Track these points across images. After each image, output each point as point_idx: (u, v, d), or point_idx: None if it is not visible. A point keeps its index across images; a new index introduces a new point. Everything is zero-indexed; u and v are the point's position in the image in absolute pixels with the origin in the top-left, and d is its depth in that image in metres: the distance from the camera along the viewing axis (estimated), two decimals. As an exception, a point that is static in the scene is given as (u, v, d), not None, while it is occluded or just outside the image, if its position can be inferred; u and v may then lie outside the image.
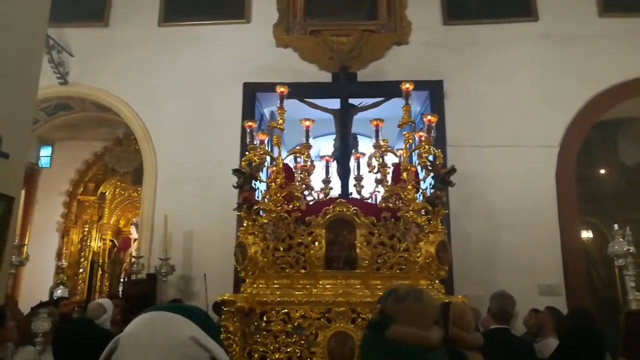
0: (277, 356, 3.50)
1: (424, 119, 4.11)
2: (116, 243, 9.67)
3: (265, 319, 3.60)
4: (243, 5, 7.04)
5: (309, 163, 4.16)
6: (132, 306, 3.69)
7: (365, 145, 5.63)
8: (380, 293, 3.55)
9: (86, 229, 9.34)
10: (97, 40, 7.06)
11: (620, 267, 3.14)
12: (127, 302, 2.62)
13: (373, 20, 6.88)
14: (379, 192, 4.38)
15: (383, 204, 3.93)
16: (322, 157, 4.88)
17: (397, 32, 6.82)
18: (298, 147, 4.36)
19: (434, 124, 4.06)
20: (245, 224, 3.85)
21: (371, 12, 6.92)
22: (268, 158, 4.36)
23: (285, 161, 4.34)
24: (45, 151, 9.44)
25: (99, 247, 9.43)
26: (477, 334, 2.42)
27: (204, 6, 7.09)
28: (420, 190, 4.08)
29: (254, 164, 3.95)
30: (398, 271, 3.72)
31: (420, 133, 4.10)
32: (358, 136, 5.74)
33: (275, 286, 3.75)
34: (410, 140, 4.15)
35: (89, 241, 9.30)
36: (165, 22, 7.10)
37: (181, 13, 7.11)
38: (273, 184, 4.01)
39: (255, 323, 3.59)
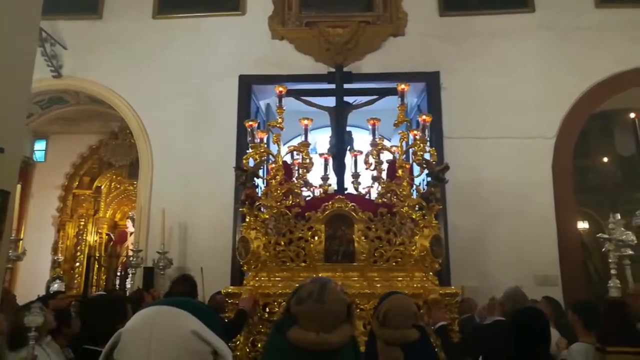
0: (279, 345, 3.59)
1: (419, 119, 4.25)
2: (112, 237, 9.65)
3: (268, 310, 3.75)
4: (238, -3, 6.98)
5: (307, 161, 4.27)
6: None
7: (361, 139, 5.65)
8: (378, 285, 3.73)
9: (82, 223, 9.31)
10: (91, 32, 6.99)
11: (620, 257, 3.16)
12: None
13: (369, 11, 6.84)
14: (372, 187, 4.50)
15: (379, 200, 4.06)
16: (321, 154, 4.98)
17: (393, 24, 6.79)
18: (297, 145, 4.43)
19: (428, 124, 4.20)
20: (247, 220, 3.97)
21: (367, 3, 6.89)
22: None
23: (283, 157, 4.43)
24: (40, 145, 9.39)
25: (95, 241, 9.41)
26: (406, 331, 2.39)
27: (198, -2, 7.04)
28: (415, 187, 4.24)
29: (255, 161, 4.06)
30: (394, 264, 3.89)
31: (415, 132, 4.20)
32: (354, 129, 5.77)
33: (277, 279, 3.88)
34: (406, 139, 4.27)
35: (85, 235, 9.28)
36: (159, 14, 7.04)
37: (175, 5, 7.04)
38: (273, 181, 4.12)
39: (259, 314, 3.75)
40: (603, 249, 3.43)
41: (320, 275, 3.73)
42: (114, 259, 9.52)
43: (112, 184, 9.59)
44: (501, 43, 6.60)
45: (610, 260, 3.31)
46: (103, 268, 9.33)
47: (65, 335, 3.75)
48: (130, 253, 6.42)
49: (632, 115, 3.19)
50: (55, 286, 8.07)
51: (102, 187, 9.53)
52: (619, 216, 3.02)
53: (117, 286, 8.75)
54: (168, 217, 6.14)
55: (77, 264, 9.12)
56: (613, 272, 3.24)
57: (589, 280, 6.89)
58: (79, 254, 9.17)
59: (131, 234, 8.71)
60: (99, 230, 9.47)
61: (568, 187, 6.20)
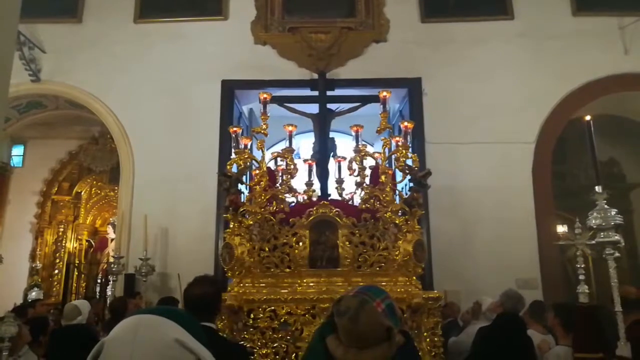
0: (264, 352, 3.61)
1: (401, 125, 4.29)
2: (93, 243, 9.50)
3: (252, 316, 3.72)
4: (220, 2, 6.97)
5: (291, 166, 4.25)
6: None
7: (344, 144, 5.67)
8: (362, 290, 3.73)
9: (61, 230, 9.15)
10: (70, 36, 6.89)
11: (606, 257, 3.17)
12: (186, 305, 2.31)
13: (351, 17, 6.89)
14: (356, 193, 4.52)
15: (363, 206, 4.07)
16: (304, 160, 5.00)
17: (375, 30, 6.84)
18: (281, 151, 4.42)
19: (410, 130, 4.25)
20: (231, 226, 3.94)
21: (349, 9, 6.93)
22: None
23: (267, 164, 4.42)
24: (17, 150, 9.23)
25: (75, 247, 9.26)
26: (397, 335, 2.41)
27: (180, 2, 6.99)
28: (398, 192, 4.26)
29: (239, 167, 4.03)
30: (378, 269, 3.89)
31: (397, 138, 4.25)
32: (337, 135, 5.80)
33: (262, 285, 3.86)
34: (388, 145, 4.30)
35: (64, 242, 9.12)
36: (140, 18, 6.98)
37: (157, 9, 6.99)
38: (257, 187, 4.11)
39: (243, 320, 3.72)
40: (576, 254, 3.45)
41: (305, 280, 3.72)
42: (94, 266, 9.37)
43: (93, 189, 9.44)
44: (482, 49, 6.71)
45: (578, 266, 3.34)
46: (83, 275, 9.18)
47: (43, 345, 3.68)
48: (111, 260, 6.31)
49: (588, 117, 3.23)
50: (34, 294, 7.92)
51: (82, 192, 9.38)
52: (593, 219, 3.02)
53: (98, 294, 8.62)
54: (150, 222, 6.07)
55: (56, 271, 8.96)
56: (581, 277, 3.26)
57: (568, 282, 6.99)
58: (57, 261, 9.01)
59: (112, 240, 8.59)
60: (79, 237, 9.32)
61: (547, 191, 6.31)
